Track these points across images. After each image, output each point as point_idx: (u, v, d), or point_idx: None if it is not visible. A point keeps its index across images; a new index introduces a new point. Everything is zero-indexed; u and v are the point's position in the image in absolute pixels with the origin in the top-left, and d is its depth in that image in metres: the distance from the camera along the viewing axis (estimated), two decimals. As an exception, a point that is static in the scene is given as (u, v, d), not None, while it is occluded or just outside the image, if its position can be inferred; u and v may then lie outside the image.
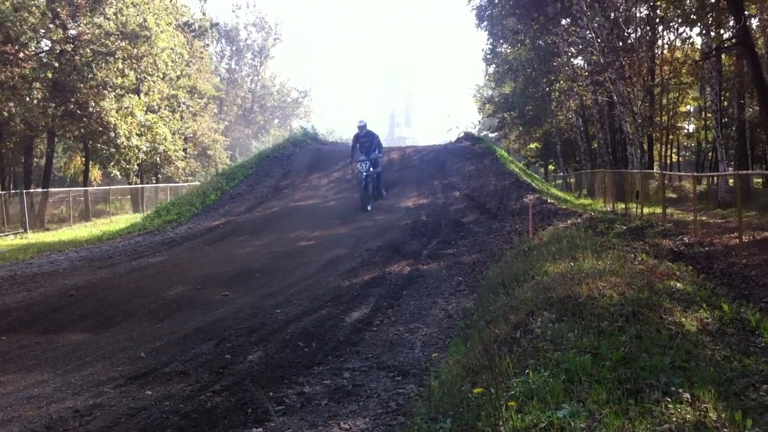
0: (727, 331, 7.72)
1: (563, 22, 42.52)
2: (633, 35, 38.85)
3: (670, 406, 4.70)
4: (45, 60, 33.94)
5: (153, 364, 8.88)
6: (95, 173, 52.71)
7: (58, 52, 34.06)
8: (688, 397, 4.92)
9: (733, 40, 24.40)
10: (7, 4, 30.70)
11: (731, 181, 31.22)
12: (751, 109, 39.62)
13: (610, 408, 4.64)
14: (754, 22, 35.73)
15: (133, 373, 8.55)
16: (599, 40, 35.18)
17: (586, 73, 39.71)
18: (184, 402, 7.44)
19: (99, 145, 39.64)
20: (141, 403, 7.47)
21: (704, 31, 33.62)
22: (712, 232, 18.19)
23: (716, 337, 7.36)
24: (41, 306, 12.77)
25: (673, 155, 54.74)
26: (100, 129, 36.87)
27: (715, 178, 34.06)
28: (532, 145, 61.13)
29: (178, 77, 50.23)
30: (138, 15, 37.03)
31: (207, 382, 8.07)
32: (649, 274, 10.01)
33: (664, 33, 43.78)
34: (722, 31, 34.18)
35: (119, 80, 37.06)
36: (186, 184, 50.86)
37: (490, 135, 62.85)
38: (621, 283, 8.85)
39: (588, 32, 36.12)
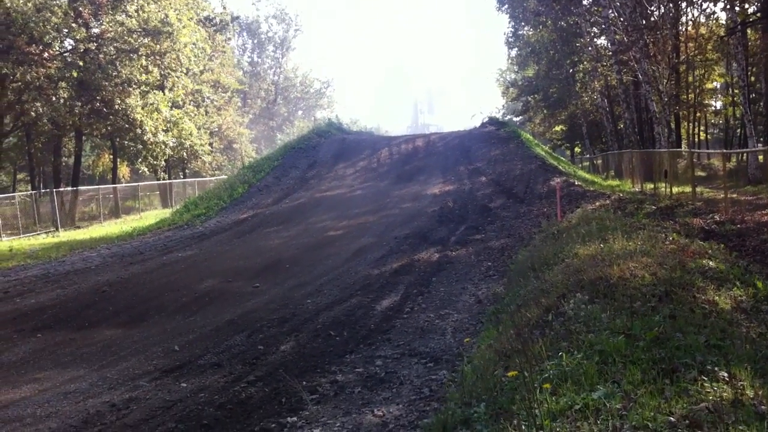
0: (761, 309, 7.63)
1: (585, 1, 42.14)
2: (656, 13, 38.32)
3: (707, 384, 4.66)
4: (69, 59, 34.25)
5: (187, 357, 8.98)
6: (123, 170, 53.16)
7: (82, 50, 34.35)
8: (725, 375, 4.87)
9: (758, 14, 24.00)
10: (30, 5, 31.00)
11: (761, 157, 30.78)
12: (779, 84, 38.97)
13: (645, 388, 4.61)
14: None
15: (167, 366, 8.65)
16: (622, 19, 34.79)
17: (610, 53, 39.30)
18: (219, 393, 7.52)
19: (126, 142, 40.03)
20: (176, 395, 7.56)
21: (728, 6, 33.04)
22: (743, 210, 17.94)
23: (751, 314, 7.27)
24: (75, 303, 12.95)
25: (701, 133, 53.99)
26: (127, 126, 37.18)
27: (745, 154, 33.52)
28: (558, 128, 60.72)
29: (202, 72, 50.53)
30: (159, 11, 37.24)
31: (241, 373, 8.15)
32: (680, 254, 9.91)
33: (688, 9, 43.12)
34: (747, 5, 33.60)
35: (143, 77, 37.31)
36: (213, 178, 51.17)
37: (515, 119, 62.51)
38: (652, 264, 8.77)
39: (610, 11, 35.73)
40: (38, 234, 29.89)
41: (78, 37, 33.84)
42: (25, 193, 36.77)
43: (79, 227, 33.54)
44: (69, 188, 38.51)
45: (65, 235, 28.87)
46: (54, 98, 33.10)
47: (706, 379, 4.76)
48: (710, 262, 9.61)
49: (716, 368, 5.00)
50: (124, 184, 47.60)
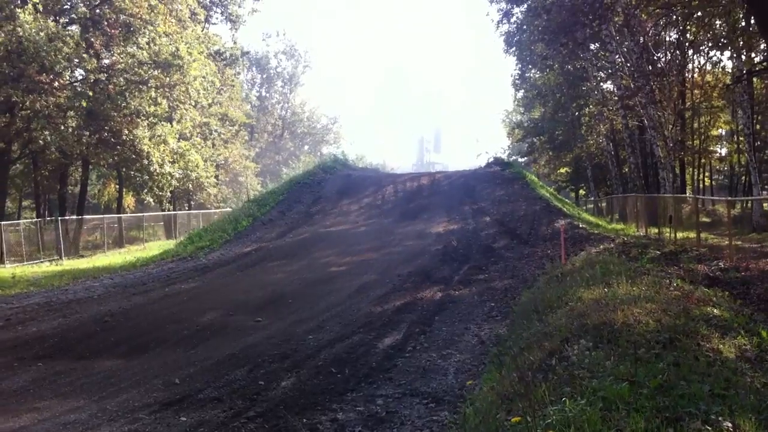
0: (766, 358, 7.58)
1: (592, 46, 42.40)
2: (663, 59, 38.65)
3: (711, 435, 4.63)
4: (79, 89, 34.53)
5: (187, 391, 8.94)
6: (129, 200, 53.36)
7: (92, 81, 34.64)
8: (729, 425, 4.84)
9: (765, 64, 24.18)
10: (42, 34, 31.31)
11: (766, 205, 30.82)
12: (784, 133, 39.19)
13: (649, 437, 4.58)
14: (786, 45, 35.46)
15: (167, 399, 8.60)
16: (629, 65, 35.06)
17: (616, 98, 39.57)
18: (219, 428, 7.47)
19: (132, 173, 40.16)
20: (175, 429, 7.52)
21: (735, 55, 33.40)
22: (748, 257, 17.89)
23: (755, 364, 7.24)
24: (76, 332, 12.92)
25: (706, 179, 54.13)
26: (134, 156, 37.36)
27: (750, 202, 33.59)
28: (563, 170, 60.83)
29: (210, 105, 50.86)
30: (170, 44, 37.58)
31: (241, 409, 8.10)
32: (684, 300, 9.89)
33: (694, 57, 43.47)
34: (753, 55, 33.90)
35: (152, 108, 37.56)
36: (218, 210, 51.33)
37: (520, 160, 62.66)
38: (657, 310, 8.76)
39: (617, 56, 36.04)
40: (42, 262, 29.91)
41: (89, 68, 34.13)
42: (30, 220, 36.93)
43: (82, 256, 33.58)
44: (74, 217, 38.64)
45: (69, 264, 28.89)
46: (62, 127, 33.29)
47: (710, 429, 4.74)
48: (714, 310, 9.59)
49: (720, 418, 4.97)
50: (128, 214, 47.77)
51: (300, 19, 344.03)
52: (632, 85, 34.19)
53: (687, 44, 39.72)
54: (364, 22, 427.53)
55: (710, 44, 39.32)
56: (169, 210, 49.01)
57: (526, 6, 46.44)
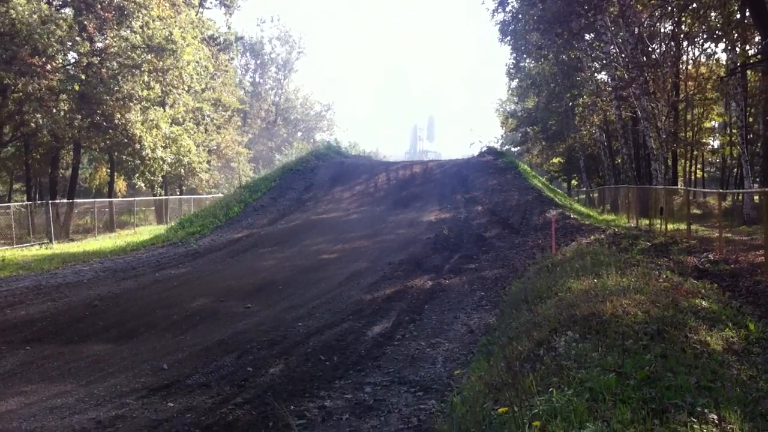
0: (753, 351, 7.62)
1: (587, 37, 42.36)
2: (657, 50, 38.63)
3: (696, 427, 4.64)
4: (72, 72, 34.29)
5: (175, 376, 8.93)
6: (120, 184, 53.20)
7: (84, 64, 34.39)
8: (715, 417, 4.85)
9: (759, 57, 24.18)
10: (35, 17, 31.05)
11: (756, 197, 30.88)
12: (776, 126, 39.23)
13: (634, 428, 4.59)
14: (781, 38, 35.44)
15: (155, 384, 8.59)
16: (623, 56, 35.05)
17: (610, 88, 39.51)
18: (206, 414, 7.46)
19: (124, 157, 40.02)
20: (163, 415, 7.51)
21: (729, 47, 33.37)
22: (738, 250, 17.96)
23: (742, 356, 7.26)
24: (65, 316, 12.89)
25: (698, 171, 54.23)
26: (126, 141, 37.18)
27: (741, 194, 33.66)
28: (555, 160, 60.93)
29: (203, 90, 50.66)
30: (164, 28, 37.34)
31: (229, 395, 8.09)
32: (673, 292, 9.91)
33: (689, 48, 43.51)
34: (747, 47, 33.91)
35: (145, 93, 37.37)
36: (209, 196, 51.22)
37: (513, 149, 62.75)
38: (645, 301, 8.78)
39: (612, 47, 35.99)
40: (32, 245, 29.80)
41: (81, 51, 33.88)
42: (20, 203, 36.73)
43: (73, 240, 33.48)
44: (65, 200, 38.45)
45: (59, 248, 28.80)
46: (54, 110, 33.08)
47: (695, 421, 4.74)
48: (703, 302, 9.62)
49: (706, 410, 4.98)
50: (120, 199, 47.64)
51: (300, 19, 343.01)
52: (626, 76, 34.18)
53: (682, 36, 39.70)
54: (364, 21, 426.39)
55: (705, 36, 39.40)
56: (160, 195, 48.86)
57: (522, -5, 46.34)
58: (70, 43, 33.77)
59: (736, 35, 31.14)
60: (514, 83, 61.41)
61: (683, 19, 37.22)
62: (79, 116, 34.63)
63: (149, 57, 36.88)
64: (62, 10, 36.11)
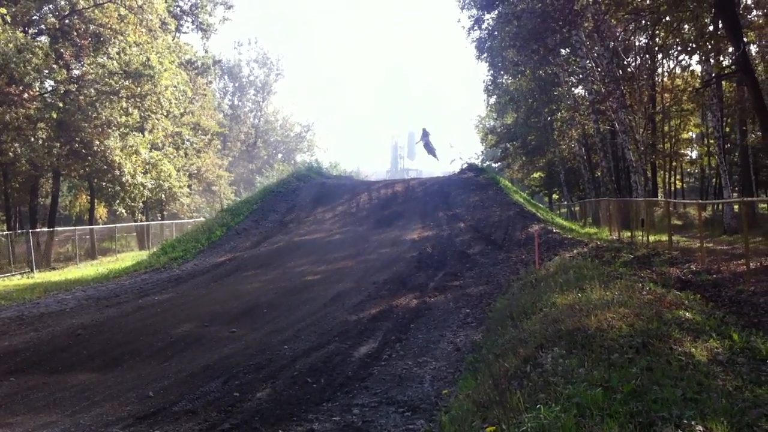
0: (737, 361, 7.67)
1: (563, 52, 42.72)
2: (633, 64, 39.08)
3: (684, 439, 4.67)
4: (49, 100, 34.19)
5: (161, 404, 8.85)
6: (100, 211, 52.83)
7: (62, 92, 34.32)
8: (701, 429, 4.88)
9: (733, 67, 24.47)
10: (11, 45, 30.95)
11: (736, 207, 31.17)
12: (753, 135, 39.71)
13: (623, 442, 4.61)
14: (753, 49, 35.99)
15: (141, 412, 8.52)
16: (599, 70, 35.37)
17: (588, 103, 39.86)
18: (194, 442, 7.40)
19: (104, 184, 39.79)
20: (150, 443, 7.44)
21: (704, 59, 33.75)
22: (719, 259, 18.11)
23: (727, 367, 7.31)
24: (49, 346, 12.76)
25: (677, 182, 54.69)
26: (105, 167, 37.02)
27: (721, 204, 33.97)
28: (536, 175, 61.28)
29: (182, 114, 50.57)
30: (141, 54, 37.34)
31: (216, 421, 8.04)
32: (657, 304, 9.98)
33: (664, 61, 44.01)
34: (722, 58, 34.33)
35: (123, 119, 37.29)
36: (191, 220, 51.03)
37: (494, 165, 63.10)
38: (630, 314, 8.83)
39: (588, 62, 36.33)
40: (13, 275, 29.52)
41: (58, 78, 33.80)
42: (0, 233, 36.42)
43: (54, 268, 33.19)
44: (45, 229, 38.15)
45: (40, 277, 28.56)
46: (32, 139, 32.93)
47: (683, 433, 4.77)
48: (687, 313, 9.68)
49: (693, 422, 5.02)
50: (101, 226, 47.26)
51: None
52: (603, 90, 34.47)
53: (656, 49, 40.18)
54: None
55: (679, 48, 39.81)
56: (141, 221, 48.60)
57: (496, 12, 46.69)
58: (46, 71, 33.70)
59: (709, 47, 31.51)
60: (493, 99, 61.74)
61: (657, 32, 37.62)
62: (58, 144, 34.48)
63: (127, 83, 36.85)
64: (38, 38, 36.06)
